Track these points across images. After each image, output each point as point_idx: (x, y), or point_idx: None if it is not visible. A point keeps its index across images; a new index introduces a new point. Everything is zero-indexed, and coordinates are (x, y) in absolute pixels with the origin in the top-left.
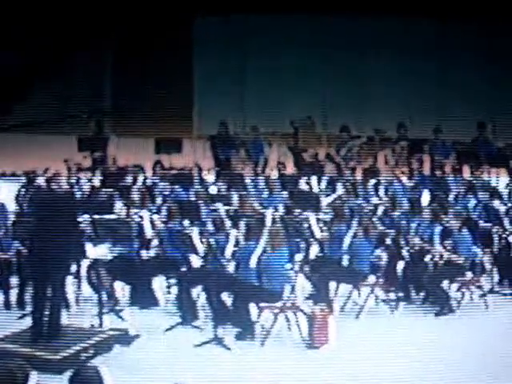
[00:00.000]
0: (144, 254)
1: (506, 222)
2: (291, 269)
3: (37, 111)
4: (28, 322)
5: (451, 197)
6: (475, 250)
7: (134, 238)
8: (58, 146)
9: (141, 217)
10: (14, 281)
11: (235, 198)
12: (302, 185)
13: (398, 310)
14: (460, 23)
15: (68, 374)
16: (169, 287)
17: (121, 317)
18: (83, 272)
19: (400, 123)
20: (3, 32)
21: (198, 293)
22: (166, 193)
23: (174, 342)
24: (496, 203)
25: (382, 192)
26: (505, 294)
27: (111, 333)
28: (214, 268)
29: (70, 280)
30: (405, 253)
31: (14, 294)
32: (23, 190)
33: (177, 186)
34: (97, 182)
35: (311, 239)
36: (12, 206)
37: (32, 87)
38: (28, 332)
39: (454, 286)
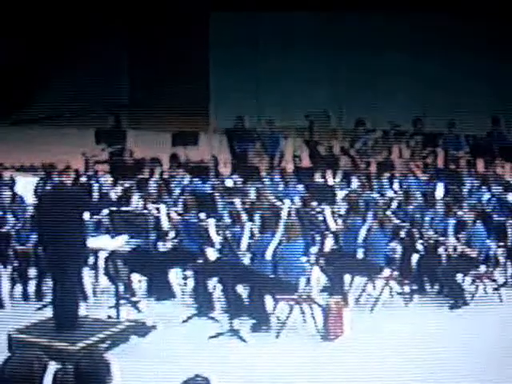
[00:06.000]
0: (161, 246)
1: None
2: (307, 261)
3: (54, 105)
4: (46, 313)
5: (465, 190)
6: (489, 243)
7: (151, 230)
8: (76, 139)
9: (158, 209)
10: (32, 272)
11: (251, 190)
12: (318, 178)
13: (412, 302)
14: (473, 17)
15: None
16: (185, 279)
17: (137, 308)
18: (101, 264)
19: (416, 118)
20: (20, 24)
21: (214, 285)
22: (183, 186)
23: (190, 333)
24: (510, 197)
25: (396, 185)
26: None
27: (128, 324)
28: (230, 260)
29: (87, 272)
30: (419, 246)
31: (32, 286)
32: (41, 182)
33: (193, 179)
34: (114, 174)
35: (326, 232)
36: (30, 199)
37: (49, 81)
38: (46, 323)
39: (468, 278)
